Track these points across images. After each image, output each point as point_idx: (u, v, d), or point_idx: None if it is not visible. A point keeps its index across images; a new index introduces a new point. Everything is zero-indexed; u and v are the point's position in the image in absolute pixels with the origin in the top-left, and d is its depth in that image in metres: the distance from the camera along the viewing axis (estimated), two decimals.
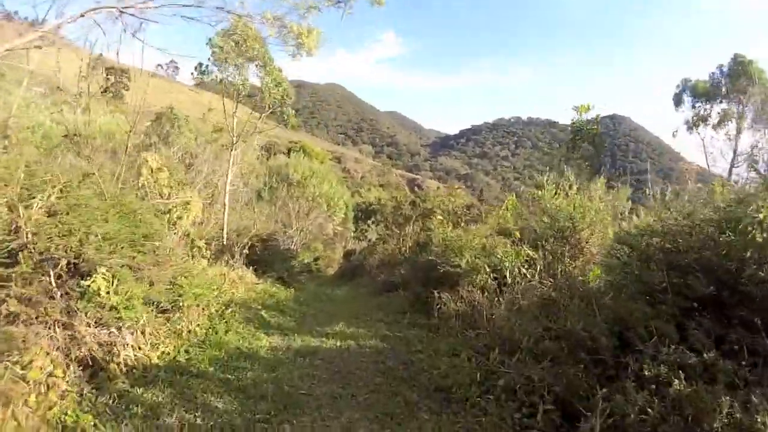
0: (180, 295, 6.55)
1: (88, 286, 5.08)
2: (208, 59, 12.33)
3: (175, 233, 9.39)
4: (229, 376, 5.00)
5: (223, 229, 11.98)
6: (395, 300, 10.80)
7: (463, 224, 9.05)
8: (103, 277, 5.29)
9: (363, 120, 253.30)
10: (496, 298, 6.36)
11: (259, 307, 8.33)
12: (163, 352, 5.71)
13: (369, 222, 18.93)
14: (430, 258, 7.99)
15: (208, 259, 10.60)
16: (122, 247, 6.10)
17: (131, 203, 6.99)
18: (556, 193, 7.79)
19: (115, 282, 5.45)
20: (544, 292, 6.49)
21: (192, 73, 12.54)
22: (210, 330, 6.75)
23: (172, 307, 6.35)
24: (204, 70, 12.40)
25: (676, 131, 25.09)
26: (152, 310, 6.09)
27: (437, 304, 7.14)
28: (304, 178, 22.96)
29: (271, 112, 13.46)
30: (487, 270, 6.93)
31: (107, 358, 5.01)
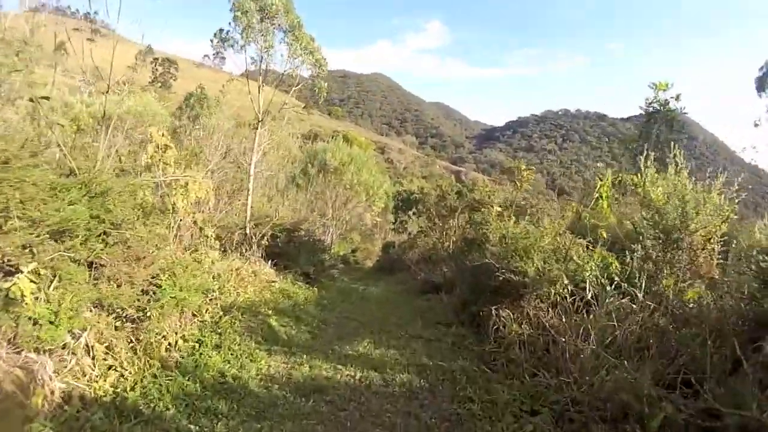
0: (156, 300, 5.08)
1: (8, 288, 3.66)
2: (229, 24, 10.90)
3: (180, 219, 8.04)
4: (192, 427, 3.44)
5: (247, 218, 10.58)
6: (437, 306, 9.03)
7: (528, 217, 7.07)
8: (32, 279, 3.84)
9: (407, 110, 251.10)
10: (582, 325, 4.46)
11: (270, 312, 6.79)
12: (120, 377, 4.26)
13: (410, 213, 17.09)
14: (484, 260, 6.10)
15: (224, 251, 9.25)
16: (78, 237, 4.68)
17: (105, 182, 5.56)
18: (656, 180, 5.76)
19: (52, 284, 4.00)
20: (645, 318, 4.57)
21: (211, 41, 11.00)
22: (196, 345, 5.25)
23: (144, 315, 4.88)
24: (225, 37, 10.95)
25: (759, 121, 21.59)
26: (113, 320, 4.65)
27: (494, 324, 5.29)
28: (342, 164, 21.40)
29: (302, 86, 11.91)
30: (565, 281, 5.02)
31: (27, 391, 3.56)
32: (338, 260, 22.43)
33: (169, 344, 5.24)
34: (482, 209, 14.91)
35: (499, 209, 7.67)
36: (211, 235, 8.35)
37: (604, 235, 5.80)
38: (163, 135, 8.29)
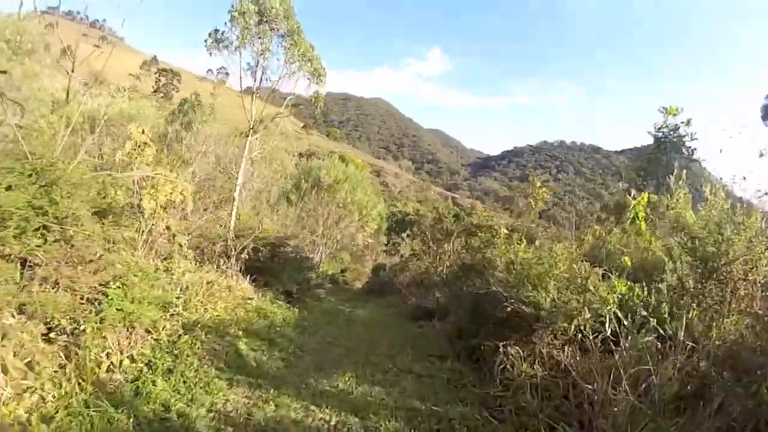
0: (98, 311, 4.25)
1: None
2: (225, 24, 10.29)
3: (151, 224, 7.24)
4: None
5: (230, 229, 9.76)
6: (429, 334, 8.19)
7: (538, 242, 6.28)
8: None
9: (405, 135, 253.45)
10: (609, 368, 3.68)
11: (240, 333, 5.93)
12: (41, 401, 3.44)
13: (403, 235, 16.31)
14: (488, 288, 5.30)
15: (202, 262, 8.40)
16: (11, 228, 3.90)
17: (57, 170, 4.80)
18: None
19: None
20: (683, 360, 3.82)
21: (205, 41, 10.38)
22: (144, 368, 4.39)
23: (78, 329, 4.04)
24: (219, 38, 10.33)
25: (764, 151, 21.20)
26: (40, 330, 3.84)
27: (500, 363, 4.47)
28: (336, 182, 20.70)
29: (299, 103, 11.26)
30: (587, 315, 4.24)
31: None
32: (326, 279, 21.48)
33: (112, 364, 4.39)
34: (479, 234, 14.20)
35: (507, 232, 6.82)
36: (185, 244, 7.53)
37: (628, 262, 5.07)
38: (143, 132, 7.58)
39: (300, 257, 12.37)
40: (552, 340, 4.57)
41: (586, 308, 4.35)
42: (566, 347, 4.44)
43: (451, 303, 9.53)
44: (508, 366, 4.41)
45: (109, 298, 4.56)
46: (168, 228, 7.50)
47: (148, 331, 5.11)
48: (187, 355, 4.82)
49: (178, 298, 5.93)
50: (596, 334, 4.20)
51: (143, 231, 7.15)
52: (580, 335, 4.29)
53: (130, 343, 4.82)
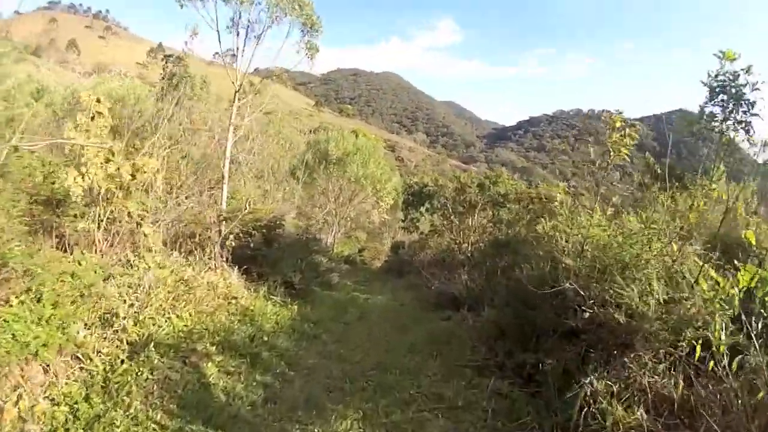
0: None
1: None
2: None
3: (109, 210, 5.88)
4: None
5: (219, 213, 8.33)
6: (459, 331, 6.68)
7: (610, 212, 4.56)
8: None
9: (418, 109, 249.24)
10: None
11: (212, 349, 4.52)
12: None
13: (422, 209, 14.70)
14: (553, 284, 3.69)
15: (189, 254, 7.02)
16: None
17: None
18: None
19: None
20: None
21: None
22: (65, 417, 3.03)
23: None
24: None
25: None
26: None
27: (583, 407, 2.92)
28: (345, 155, 19.12)
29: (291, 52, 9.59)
30: (718, 325, 2.66)
31: None
32: (341, 261, 20.17)
33: (19, 412, 3.04)
34: (508, 205, 12.55)
35: (561, 196, 4.99)
36: (150, 233, 6.11)
37: (752, 238, 3.44)
38: (98, 101, 6.09)
39: (306, 239, 10.93)
40: (654, 363, 3.00)
41: (714, 314, 2.76)
42: (674, 372, 2.89)
43: (483, 290, 7.99)
44: (593, 406, 2.87)
45: (3, 319, 3.17)
46: (129, 215, 6.09)
47: (77, 358, 3.74)
48: (127, 392, 3.42)
49: (130, 305, 4.52)
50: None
51: (101, 220, 5.80)
52: (693, 355, 2.73)
53: (49, 378, 3.46)
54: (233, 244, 7.14)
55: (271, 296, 7.19)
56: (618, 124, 3.97)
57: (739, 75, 11.31)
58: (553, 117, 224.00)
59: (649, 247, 3.42)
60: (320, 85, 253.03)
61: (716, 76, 11.45)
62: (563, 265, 3.69)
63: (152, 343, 4.13)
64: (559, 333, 3.61)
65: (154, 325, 4.53)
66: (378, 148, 22.63)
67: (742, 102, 11.06)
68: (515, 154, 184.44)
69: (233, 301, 6.22)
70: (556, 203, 4.08)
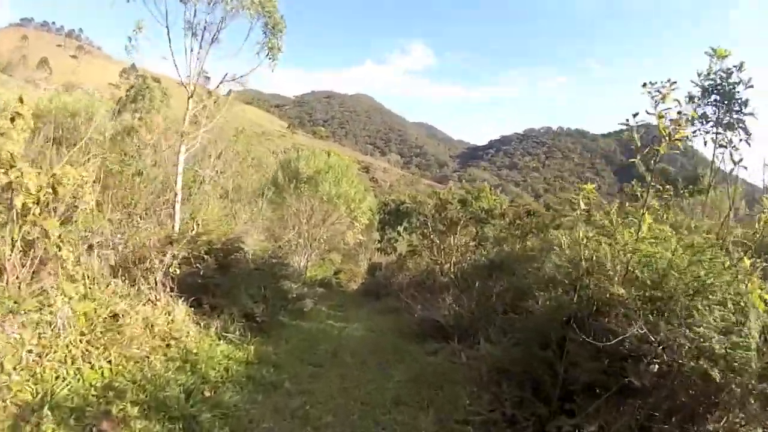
0: None
1: None
2: None
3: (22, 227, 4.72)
4: None
5: (171, 235, 7.10)
6: (452, 369, 5.62)
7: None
8: None
9: (391, 130, 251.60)
10: None
11: (136, 410, 3.34)
12: None
13: (399, 229, 13.68)
14: (598, 320, 2.69)
15: (133, 284, 5.78)
16: None
17: None
18: None
19: None
20: None
21: None
22: None
23: None
24: None
25: None
26: None
27: None
28: (317, 173, 18.07)
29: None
30: None
31: None
32: (314, 285, 18.90)
33: None
34: (493, 221, 11.68)
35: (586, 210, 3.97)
36: (71, 258, 4.91)
37: None
38: (21, 101, 4.98)
39: (272, 263, 9.74)
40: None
41: None
42: None
43: (475, 319, 6.99)
44: None
45: None
46: (47, 235, 4.88)
47: None
48: None
49: (28, 351, 3.32)
50: None
51: (15, 240, 4.62)
52: None
53: None
54: (177, 271, 5.93)
55: (225, 334, 5.99)
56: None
57: (732, 72, 10.67)
58: (523, 135, 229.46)
59: (723, 266, 2.49)
60: (294, 107, 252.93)
61: (708, 74, 10.79)
62: (605, 292, 2.71)
63: (49, 404, 2.94)
64: (600, 385, 2.62)
65: (57, 378, 3.34)
66: (351, 166, 21.68)
67: (735, 101, 10.44)
68: (488, 172, 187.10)
69: (174, 342, 5.01)
70: (579, 211, 3.12)
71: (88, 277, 5.53)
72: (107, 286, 5.52)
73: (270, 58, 7.89)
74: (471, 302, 7.42)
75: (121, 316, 5.01)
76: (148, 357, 4.56)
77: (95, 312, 4.68)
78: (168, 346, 4.96)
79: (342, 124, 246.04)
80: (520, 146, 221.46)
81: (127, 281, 5.88)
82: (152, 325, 5.10)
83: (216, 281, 6.57)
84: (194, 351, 5.00)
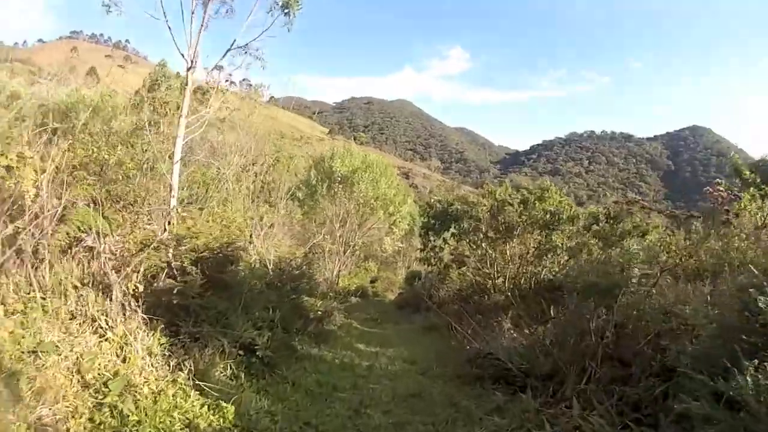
0: None
1: None
2: None
3: None
4: None
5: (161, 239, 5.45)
6: None
7: None
8: None
9: (431, 136, 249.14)
10: None
11: None
12: None
13: (446, 235, 11.60)
14: None
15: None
16: None
17: None
18: None
19: None
20: None
21: None
22: None
23: None
24: None
25: None
26: None
27: None
28: (352, 172, 16.29)
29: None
30: None
31: None
32: (347, 296, 17.18)
33: None
34: (560, 227, 9.49)
35: None
36: None
37: None
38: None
39: (291, 275, 7.97)
40: None
41: None
42: None
43: (557, 362, 4.91)
44: None
45: None
46: None
47: None
48: None
49: None
50: None
51: None
52: None
53: None
54: (139, 287, 4.21)
55: (207, 379, 4.19)
56: None
57: None
58: (566, 140, 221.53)
59: None
60: (334, 114, 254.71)
61: None
62: None
63: None
64: None
65: None
66: (390, 167, 19.79)
67: None
68: (529, 178, 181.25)
69: (118, 397, 3.25)
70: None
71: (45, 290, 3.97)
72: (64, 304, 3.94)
73: (285, 14, 6.14)
74: (562, 337, 5.33)
75: (40, 354, 3.35)
76: (69, 418, 2.83)
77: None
78: (100, 405, 3.21)
79: (382, 129, 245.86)
80: (562, 151, 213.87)
81: (100, 296, 4.27)
82: (83, 368, 3.38)
83: (200, 302, 4.82)
84: (143, 411, 3.22)
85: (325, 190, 15.97)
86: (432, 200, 11.43)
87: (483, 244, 10.48)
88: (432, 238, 11.19)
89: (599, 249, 8.00)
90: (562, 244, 9.21)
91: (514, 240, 10.23)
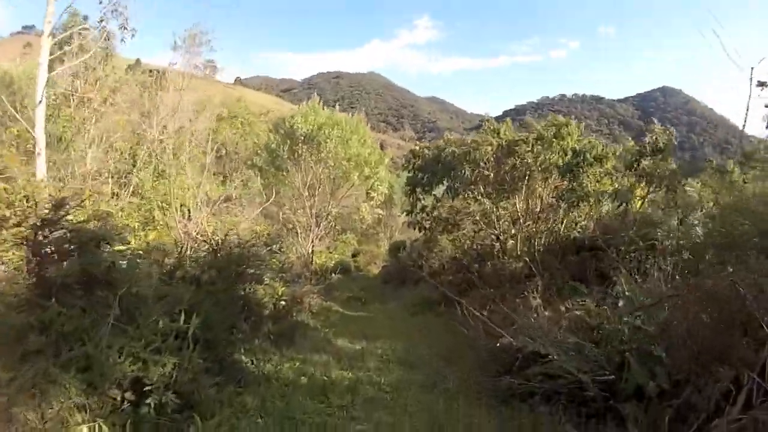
0: None
1: None
2: None
3: None
4: None
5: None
6: None
7: None
8: None
9: (403, 107, 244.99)
10: None
11: None
12: None
13: (439, 189, 9.21)
14: None
15: None
16: None
17: None
18: None
19: None
20: None
21: None
22: None
23: None
24: None
25: None
26: None
27: None
28: (318, 129, 13.67)
29: None
30: None
31: None
32: (325, 275, 14.91)
33: None
34: (594, 169, 7.31)
35: None
36: None
37: None
38: None
39: (223, 263, 5.56)
40: None
41: None
42: None
43: (697, 375, 2.75)
44: None
45: None
46: None
47: None
48: None
49: None
50: None
51: None
52: None
53: None
54: None
55: None
56: None
57: None
58: (538, 104, 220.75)
59: None
60: (302, 90, 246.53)
61: None
62: None
63: None
64: None
65: None
66: (362, 124, 17.20)
67: None
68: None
69: None
70: None
71: None
72: None
73: None
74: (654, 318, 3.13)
75: None
76: None
77: None
78: None
79: (352, 103, 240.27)
80: (535, 114, 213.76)
81: None
82: None
83: (39, 317, 2.44)
84: None
85: (286, 153, 13.35)
86: (418, 148, 9.00)
87: (486, 199, 8.24)
88: (420, 197, 8.85)
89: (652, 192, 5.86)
90: (594, 190, 7.06)
91: (523, 191, 8.04)
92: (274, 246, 10.72)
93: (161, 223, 8.33)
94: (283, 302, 6.96)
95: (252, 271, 5.88)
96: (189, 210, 8.75)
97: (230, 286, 4.94)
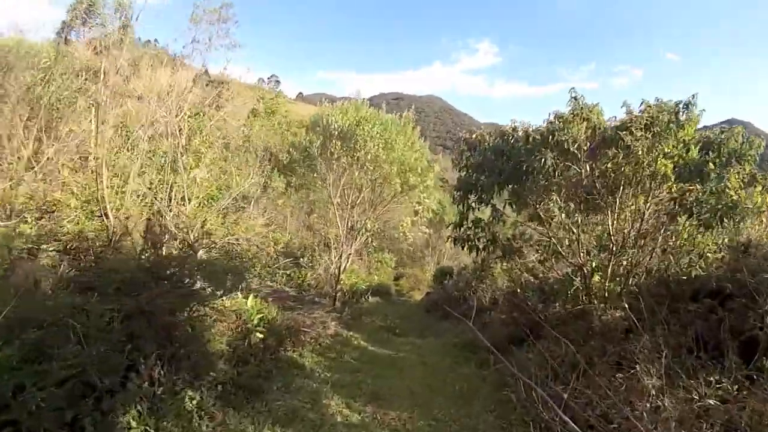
0: None
1: None
2: None
3: None
4: None
5: None
6: None
7: None
8: None
9: (461, 130, 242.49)
10: None
11: None
12: None
13: (498, 197, 6.44)
14: None
15: None
16: None
17: None
18: None
19: None
20: None
21: None
22: None
23: None
24: None
25: None
26: None
27: None
28: (356, 124, 11.60)
29: None
30: None
31: None
32: (355, 297, 12.70)
33: None
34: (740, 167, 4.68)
35: None
36: None
37: None
38: None
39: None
40: None
41: None
42: None
43: None
44: None
45: None
46: None
47: None
48: None
49: None
50: None
51: None
52: None
53: None
54: None
55: None
56: None
57: None
58: None
59: None
60: None
61: None
62: None
63: None
64: None
65: None
66: (410, 125, 15.00)
67: None
68: None
69: None
70: None
71: None
72: None
73: None
74: None
75: None
76: None
77: None
78: None
79: (412, 125, 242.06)
80: None
81: None
82: None
83: None
84: None
85: (319, 150, 11.33)
86: (474, 136, 6.57)
87: (575, 211, 5.73)
88: (473, 205, 6.36)
89: None
90: (743, 201, 4.46)
91: (627, 200, 5.50)
92: (302, 259, 8.54)
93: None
94: (260, 334, 4.79)
95: (198, 285, 3.76)
96: (169, 200, 6.94)
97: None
